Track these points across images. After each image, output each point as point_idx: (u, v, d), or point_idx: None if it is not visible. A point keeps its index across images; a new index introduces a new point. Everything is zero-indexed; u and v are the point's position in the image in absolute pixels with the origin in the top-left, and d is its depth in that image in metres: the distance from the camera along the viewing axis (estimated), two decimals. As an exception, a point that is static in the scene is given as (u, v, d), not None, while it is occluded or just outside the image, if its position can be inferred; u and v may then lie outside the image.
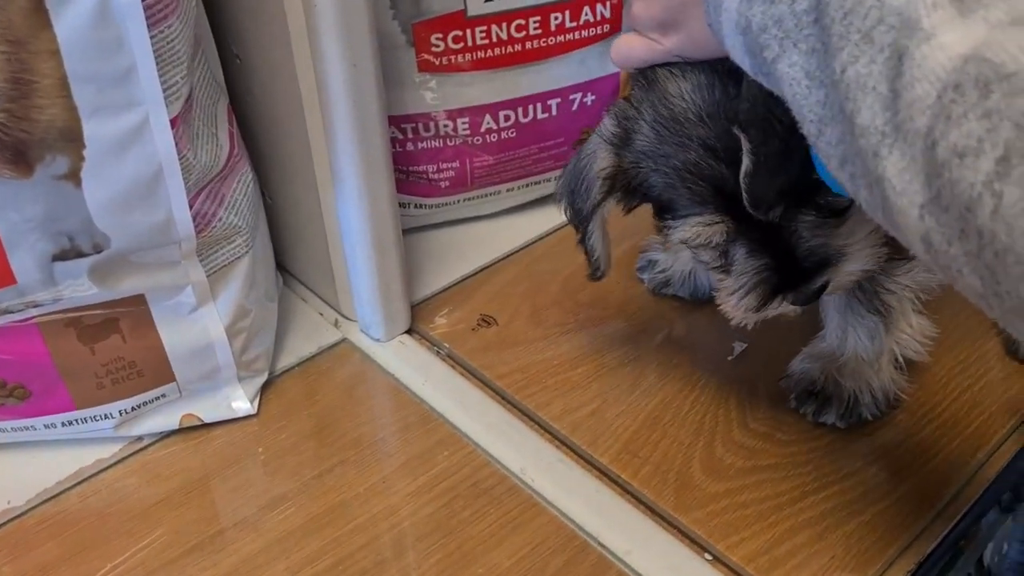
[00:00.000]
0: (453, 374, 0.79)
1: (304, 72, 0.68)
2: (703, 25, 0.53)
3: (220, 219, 0.67)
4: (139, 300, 0.66)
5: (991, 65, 0.35)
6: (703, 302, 0.82)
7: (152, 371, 0.70)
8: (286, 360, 0.81)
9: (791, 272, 0.59)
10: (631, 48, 0.62)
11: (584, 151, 0.65)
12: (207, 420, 0.74)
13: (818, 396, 0.72)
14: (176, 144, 0.60)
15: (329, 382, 0.79)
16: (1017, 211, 0.33)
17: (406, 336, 0.83)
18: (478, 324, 0.84)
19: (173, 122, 0.59)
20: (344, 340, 0.83)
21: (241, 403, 0.74)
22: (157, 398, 0.71)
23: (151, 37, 0.55)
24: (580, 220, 0.66)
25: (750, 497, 0.68)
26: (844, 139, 0.42)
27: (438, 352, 0.81)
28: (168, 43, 0.57)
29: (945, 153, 0.36)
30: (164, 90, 0.57)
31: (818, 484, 0.68)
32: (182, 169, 0.61)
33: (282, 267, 0.88)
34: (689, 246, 0.62)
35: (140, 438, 0.73)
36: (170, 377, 0.71)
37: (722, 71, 0.57)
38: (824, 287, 0.61)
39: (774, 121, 0.53)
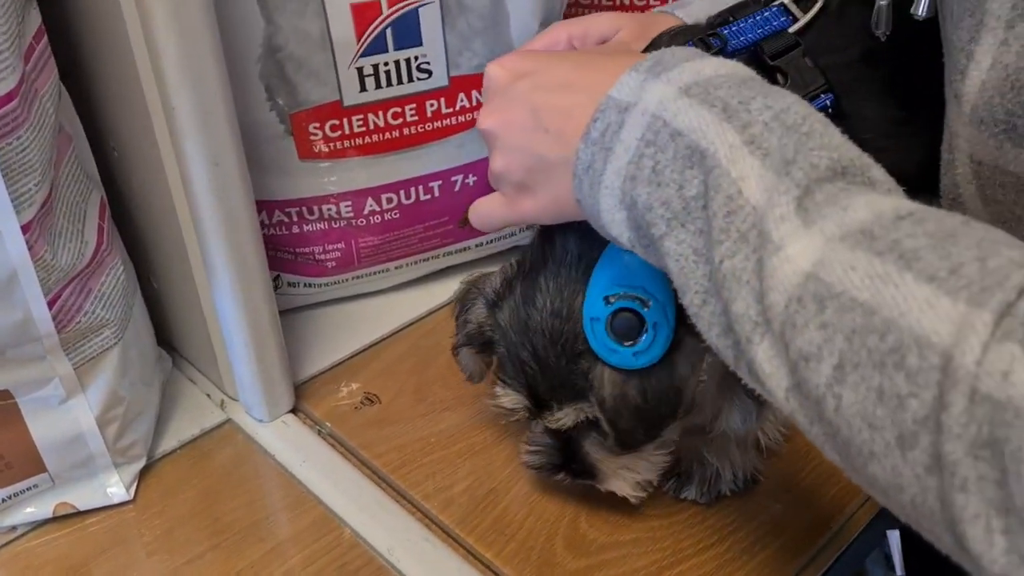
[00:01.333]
0: (332, 454, 0.81)
1: (171, 169, 0.71)
2: (569, 191, 0.54)
3: (87, 312, 0.69)
4: (5, 395, 0.68)
5: (824, 284, 0.40)
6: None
7: (21, 463, 0.71)
8: (168, 443, 0.82)
9: (570, 461, 0.69)
10: (491, 211, 0.63)
11: (471, 293, 0.70)
12: (82, 508, 0.75)
13: (680, 473, 0.75)
14: (31, 247, 0.62)
15: (210, 464, 0.80)
16: (853, 412, 0.38)
17: (290, 416, 0.84)
18: (362, 402, 0.86)
19: (26, 227, 0.61)
20: (229, 421, 0.84)
21: (116, 489, 0.75)
22: (28, 488, 0.72)
23: (-1, 150, 0.57)
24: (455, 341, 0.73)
25: (609, 573, 0.70)
26: (724, 314, 0.46)
27: (319, 431, 0.83)
28: (19, 153, 0.59)
29: (795, 354, 0.41)
30: (15, 199, 0.59)
31: (676, 558, 0.71)
32: (39, 270, 0.63)
33: (172, 348, 0.90)
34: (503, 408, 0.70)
35: (14, 528, 0.74)
36: (41, 468, 0.72)
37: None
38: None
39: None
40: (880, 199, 0.42)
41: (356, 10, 0.79)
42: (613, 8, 1.04)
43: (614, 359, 0.60)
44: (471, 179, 0.91)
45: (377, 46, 0.81)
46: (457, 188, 0.91)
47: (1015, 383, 0.33)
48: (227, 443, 0.82)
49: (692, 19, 0.69)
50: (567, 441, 0.68)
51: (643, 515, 0.74)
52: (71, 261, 0.67)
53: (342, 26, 0.79)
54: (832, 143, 0.45)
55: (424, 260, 0.96)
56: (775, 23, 0.63)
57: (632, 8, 1.04)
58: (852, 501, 0.75)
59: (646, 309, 0.59)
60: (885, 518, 0.75)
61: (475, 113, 0.88)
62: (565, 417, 0.64)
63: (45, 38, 0.65)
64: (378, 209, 0.89)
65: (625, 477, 0.68)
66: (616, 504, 0.75)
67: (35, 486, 0.72)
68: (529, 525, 0.74)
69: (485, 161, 0.91)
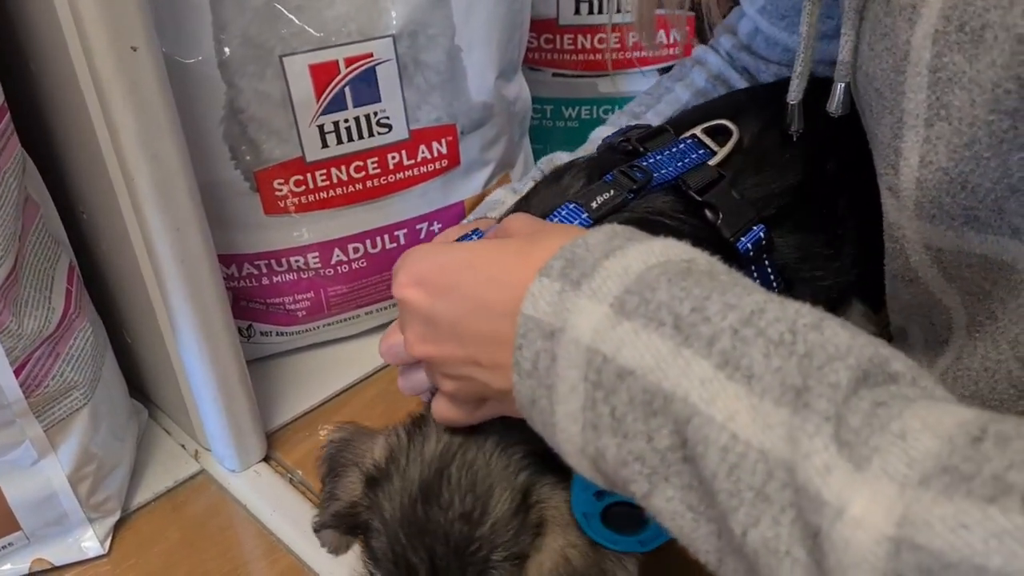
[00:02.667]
0: (302, 501, 0.83)
1: (135, 235, 0.73)
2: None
3: (55, 376, 0.71)
4: (-23, 458, 0.70)
5: (929, 554, 0.30)
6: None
7: (-4, 523, 0.73)
8: (143, 494, 0.84)
9: None
10: (440, 410, 0.54)
11: (343, 458, 0.60)
12: (57, 563, 0.77)
13: None
14: (-4, 319, 0.64)
15: (184, 516, 0.82)
16: None
17: (262, 464, 0.86)
18: (333, 448, 0.88)
19: (-10, 301, 0.63)
20: (202, 471, 0.86)
21: (91, 544, 0.77)
22: (4, 547, 0.74)
23: (-40, 230, 0.60)
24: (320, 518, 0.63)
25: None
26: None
27: (291, 479, 0.85)
28: (-20, 231, 0.62)
29: None
30: (-23, 275, 0.62)
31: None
32: (5, 339, 0.65)
33: (147, 399, 0.92)
34: None
35: (-9, 585, 0.76)
36: (16, 527, 0.74)
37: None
38: None
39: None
40: (929, 411, 0.33)
41: (314, 71, 0.82)
42: (573, 51, 1.06)
43: (619, 546, 0.53)
44: (436, 226, 0.94)
45: (337, 104, 0.84)
46: (423, 235, 0.94)
47: None
48: (201, 494, 0.85)
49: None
50: None
51: None
52: (37, 328, 0.69)
53: (301, 87, 0.82)
54: (839, 344, 0.36)
55: (393, 305, 0.98)
56: (693, 156, 0.61)
57: (594, 52, 1.06)
58: None
59: None
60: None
61: (436, 164, 0.90)
62: None
63: (8, 115, 0.68)
64: (345, 259, 0.92)
65: None
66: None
67: (10, 544, 0.75)
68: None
69: (449, 208, 0.94)
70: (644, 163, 0.60)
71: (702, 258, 0.42)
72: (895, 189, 0.53)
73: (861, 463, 0.32)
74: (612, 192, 0.57)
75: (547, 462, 0.52)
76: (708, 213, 0.59)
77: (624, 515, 0.51)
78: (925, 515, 0.30)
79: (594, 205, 0.56)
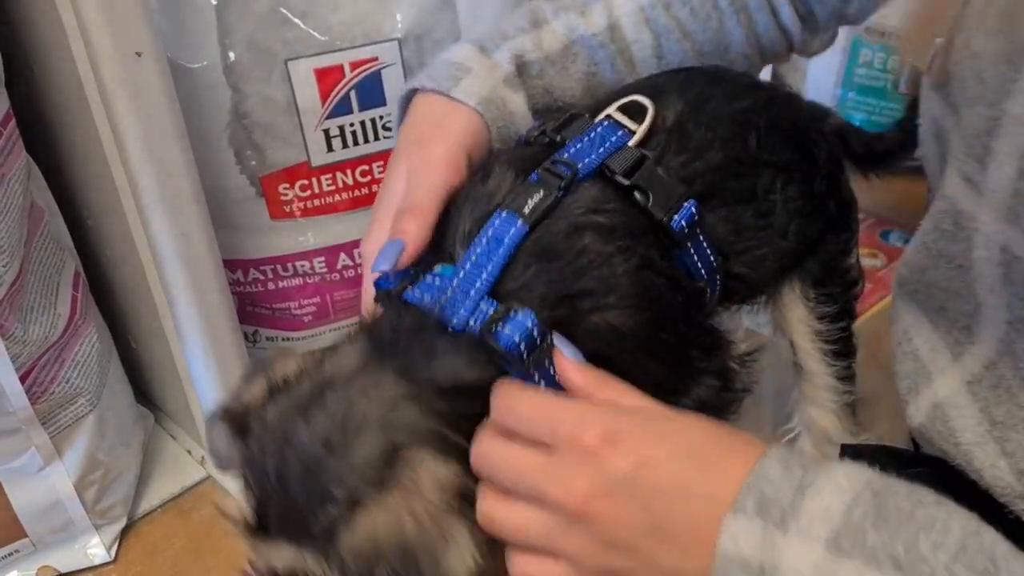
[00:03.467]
0: (309, 508, 0.82)
1: (140, 241, 0.73)
2: None
3: (61, 382, 0.71)
4: (-17, 465, 0.70)
5: None
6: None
7: (2, 530, 0.73)
8: (150, 501, 0.84)
9: None
10: None
11: (263, 369, 0.57)
12: (64, 570, 0.77)
13: None
14: (1, 325, 0.64)
15: (190, 522, 0.82)
16: None
17: (268, 470, 0.86)
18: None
19: (-5, 307, 0.63)
20: (208, 478, 0.86)
21: (97, 551, 0.77)
22: (11, 554, 0.74)
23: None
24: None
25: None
26: None
27: (297, 486, 0.85)
28: (-15, 238, 0.62)
29: None
30: (-19, 281, 0.62)
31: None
32: (11, 346, 0.65)
33: (153, 404, 0.92)
34: None
35: (-2, 592, 0.76)
36: (22, 534, 0.74)
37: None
38: None
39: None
40: None
41: (320, 75, 0.82)
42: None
43: None
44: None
45: (342, 108, 0.83)
46: (428, 240, 0.93)
47: None
48: (207, 500, 0.84)
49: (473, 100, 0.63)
50: None
51: None
52: (43, 334, 0.69)
53: (307, 91, 0.82)
54: None
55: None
56: (612, 139, 0.60)
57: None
58: None
59: None
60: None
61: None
62: (281, 557, 0.52)
63: (13, 122, 0.68)
64: (351, 264, 0.91)
65: None
66: None
67: (17, 551, 0.74)
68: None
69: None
70: (566, 155, 0.58)
71: (877, 480, 0.44)
72: (976, 183, 0.51)
73: None
74: (542, 193, 0.56)
75: (443, 441, 0.50)
76: (638, 196, 0.58)
77: None
78: None
79: (527, 211, 0.55)
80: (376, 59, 0.83)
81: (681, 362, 0.59)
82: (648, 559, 0.45)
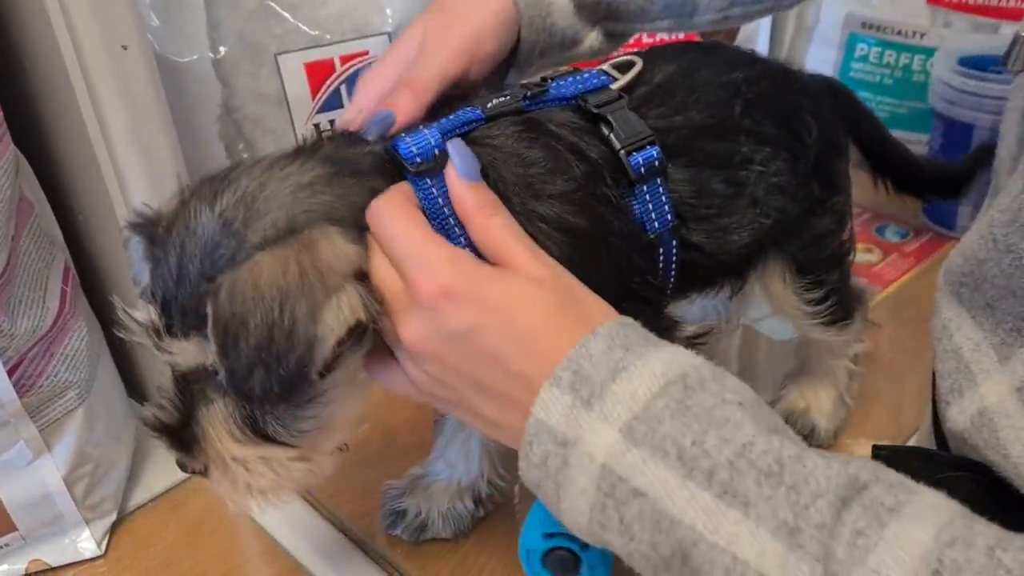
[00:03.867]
0: (300, 503, 0.82)
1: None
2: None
3: (49, 376, 0.71)
4: (-28, 458, 0.70)
5: None
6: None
7: (-8, 523, 0.73)
8: (141, 495, 0.84)
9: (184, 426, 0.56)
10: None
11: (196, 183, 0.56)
12: (54, 564, 0.77)
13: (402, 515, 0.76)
14: (-12, 318, 0.64)
15: (181, 516, 0.82)
16: None
17: (259, 465, 0.86)
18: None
19: (-19, 300, 0.63)
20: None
21: (87, 544, 0.77)
22: (1, 547, 0.74)
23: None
24: None
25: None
26: None
27: (288, 480, 0.85)
28: (-29, 230, 0.62)
29: None
30: (-33, 274, 0.62)
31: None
32: (-2, 339, 0.65)
33: (146, 399, 0.92)
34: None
35: (-12, 585, 0.76)
36: (11, 527, 0.74)
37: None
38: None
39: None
40: (899, 536, 0.39)
41: (310, 69, 0.82)
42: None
43: None
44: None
45: (332, 102, 0.84)
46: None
47: None
48: (198, 495, 0.84)
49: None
50: (189, 399, 0.54)
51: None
52: (31, 327, 0.69)
53: (297, 85, 0.82)
54: (819, 477, 0.41)
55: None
56: (595, 81, 0.62)
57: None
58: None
59: (585, 552, 0.54)
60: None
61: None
62: (185, 353, 0.51)
63: (0, 116, 0.68)
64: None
65: (236, 475, 0.54)
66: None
67: (7, 544, 0.74)
68: (490, 569, 0.75)
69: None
70: (547, 84, 0.60)
71: (694, 374, 0.46)
72: None
73: None
74: (508, 97, 0.58)
75: (353, 226, 0.51)
76: (602, 127, 0.59)
77: (561, 559, 0.53)
78: None
79: (489, 106, 0.57)
80: (366, 53, 0.83)
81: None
82: (472, 403, 0.50)
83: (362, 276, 0.49)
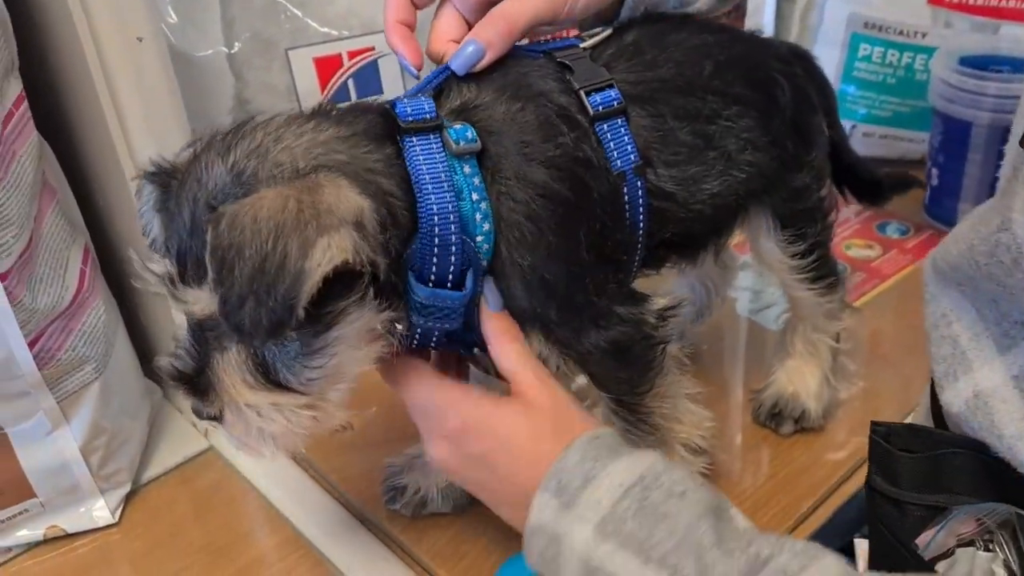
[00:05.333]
0: (304, 478, 0.86)
1: (144, 217, 0.77)
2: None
3: (67, 350, 0.75)
4: (-5, 427, 0.74)
5: None
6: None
7: (13, 489, 0.77)
8: (154, 469, 0.88)
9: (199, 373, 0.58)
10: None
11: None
12: (70, 530, 0.81)
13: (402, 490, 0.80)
14: (10, 292, 0.68)
15: (192, 489, 0.86)
16: None
17: (267, 442, 0.90)
18: (337, 427, 0.91)
19: (4, 275, 0.67)
20: (211, 448, 0.90)
21: (102, 513, 0.81)
22: (20, 513, 0.79)
23: (-25, 206, 0.64)
24: None
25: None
26: None
27: (295, 457, 0.88)
28: (-5, 209, 0.66)
29: None
30: (-7, 250, 0.66)
31: None
32: (19, 313, 0.69)
33: (163, 381, 0.96)
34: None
35: (9, 549, 0.80)
36: (31, 494, 0.78)
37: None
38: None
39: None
40: None
41: (319, 64, 0.86)
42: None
43: None
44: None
45: (341, 96, 0.87)
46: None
47: None
48: (209, 469, 0.88)
49: None
50: (205, 348, 0.57)
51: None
52: (51, 303, 0.73)
53: (306, 79, 0.86)
54: (725, 553, 0.51)
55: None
56: (566, 43, 0.66)
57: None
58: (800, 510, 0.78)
59: None
60: (839, 525, 0.78)
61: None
62: (199, 301, 0.53)
63: (25, 104, 0.72)
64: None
65: (249, 420, 0.57)
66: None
67: (26, 510, 0.79)
68: (482, 544, 0.78)
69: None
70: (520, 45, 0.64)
71: (650, 474, 0.56)
72: None
73: None
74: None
75: (364, 182, 0.54)
76: (565, 73, 0.63)
77: None
78: None
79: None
80: (373, 48, 0.87)
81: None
82: (495, 505, 0.64)
83: (360, 227, 0.52)
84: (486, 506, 0.79)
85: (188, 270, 0.54)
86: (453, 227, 0.57)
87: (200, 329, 0.56)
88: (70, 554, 0.80)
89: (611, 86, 0.63)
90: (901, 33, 1.24)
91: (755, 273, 1.10)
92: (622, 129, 0.63)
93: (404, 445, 0.87)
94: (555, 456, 0.58)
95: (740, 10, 1.25)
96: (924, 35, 1.23)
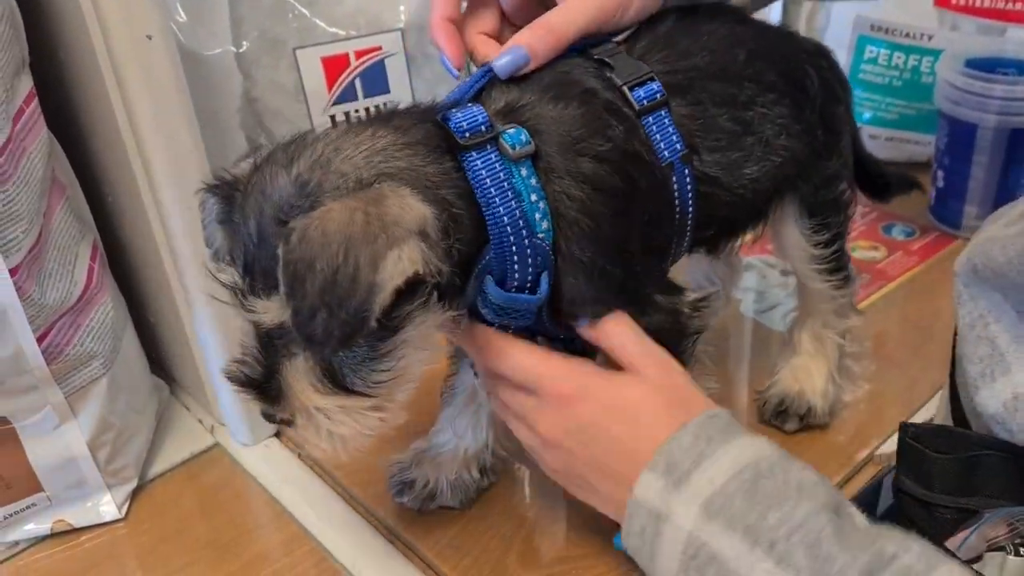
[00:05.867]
0: (309, 474, 0.86)
1: (152, 215, 0.78)
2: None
3: (75, 346, 0.76)
4: (3, 421, 0.75)
5: None
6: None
7: (20, 483, 0.78)
8: (161, 465, 0.88)
9: (268, 379, 0.59)
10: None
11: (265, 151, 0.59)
12: (77, 525, 0.81)
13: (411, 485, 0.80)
14: (19, 288, 0.69)
15: (198, 485, 0.87)
16: None
17: (272, 439, 0.90)
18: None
19: (14, 270, 0.68)
20: (216, 445, 0.91)
21: (109, 508, 0.82)
22: (28, 507, 0.79)
23: (-14, 201, 0.65)
24: None
25: (558, 585, 0.74)
26: None
27: (299, 454, 0.89)
28: (5, 205, 0.67)
29: None
30: (2, 245, 0.67)
31: (622, 570, 0.75)
32: (28, 308, 0.70)
33: (169, 377, 0.97)
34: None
35: (16, 542, 0.81)
36: (38, 488, 0.79)
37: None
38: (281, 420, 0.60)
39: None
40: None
41: (326, 63, 0.86)
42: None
43: None
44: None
45: (347, 95, 0.88)
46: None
47: None
48: (215, 465, 0.89)
49: None
50: (273, 354, 0.58)
51: (594, 531, 0.78)
52: (59, 299, 0.74)
53: (314, 78, 0.86)
54: (843, 557, 0.50)
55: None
56: (600, 39, 0.66)
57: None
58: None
59: None
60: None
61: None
62: (268, 311, 0.54)
63: (35, 100, 0.73)
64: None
65: (319, 424, 0.58)
66: (569, 522, 0.79)
67: (33, 504, 0.79)
68: (485, 542, 0.78)
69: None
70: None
71: (764, 462, 0.56)
72: None
73: None
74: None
75: (426, 189, 0.55)
76: (605, 70, 0.63)
77: None
78: None
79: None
80: (380, 48, 0.87)
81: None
82: (594, 482, 0.63)
83: (425, 236, 0.53)
84: (491, 505, 0.80)
85: (257, 281, 0.55)
86: (524, 232, 0.58)
87: (268, 337, 0.57)
88: (76, 548, 0.81)
89: (652, 79, 0.64)
90: (907, 35, 1.24)
91: (759, 274, 1.10)
92: (667, 120, 0.64)
93: (409, 441, 0.88)
94: (670, 432, 0.58)
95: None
96: (930, 37, 1.23)
